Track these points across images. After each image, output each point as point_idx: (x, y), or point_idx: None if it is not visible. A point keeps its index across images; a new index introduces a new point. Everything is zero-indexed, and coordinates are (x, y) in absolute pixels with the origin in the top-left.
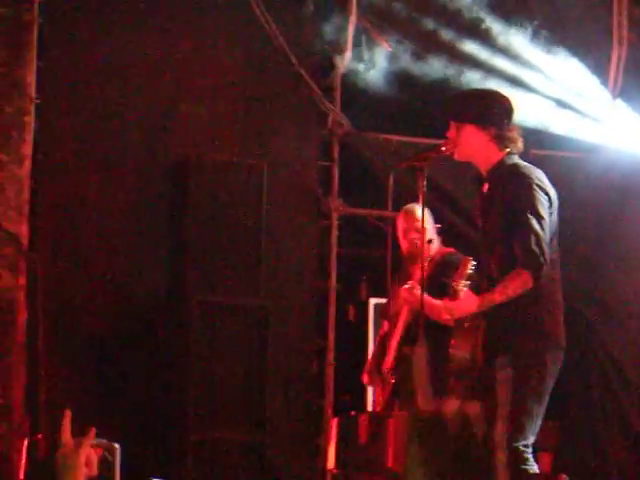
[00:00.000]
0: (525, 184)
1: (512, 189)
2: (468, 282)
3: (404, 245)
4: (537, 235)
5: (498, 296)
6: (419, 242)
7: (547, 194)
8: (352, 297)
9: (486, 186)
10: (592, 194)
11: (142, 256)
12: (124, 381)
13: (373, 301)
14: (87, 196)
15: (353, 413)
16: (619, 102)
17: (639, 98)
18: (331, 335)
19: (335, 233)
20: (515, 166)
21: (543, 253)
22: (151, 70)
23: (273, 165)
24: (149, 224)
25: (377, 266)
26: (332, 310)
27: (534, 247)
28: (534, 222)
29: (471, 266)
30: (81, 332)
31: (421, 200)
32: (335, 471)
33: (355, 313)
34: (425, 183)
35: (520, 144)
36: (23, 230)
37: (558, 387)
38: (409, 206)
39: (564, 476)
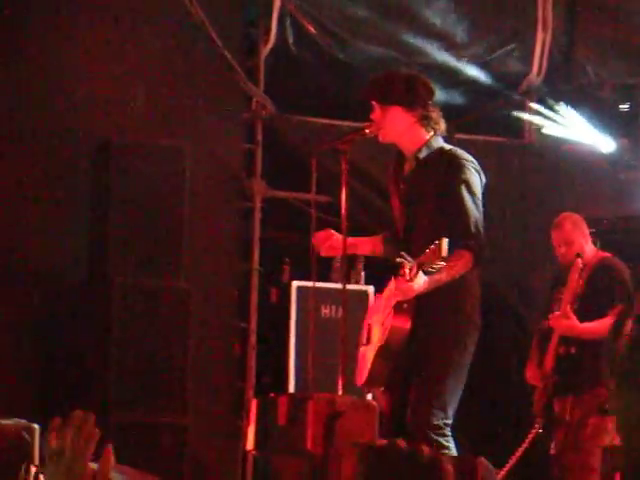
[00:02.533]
0: (460, 165)
1: (446, 170)
2: (443, 263)
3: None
4: (475, 216)
5: (444, 277)
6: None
7: (481, 177)
8: (275, 280)
9: (409, 166)
10: (516, 179)
11: (63, 238)
12: (45, 363)
13: (296, 284)
14: (5, 177)
15: (273, 395)
16: (543, 87)
17: (563, 83)
18: (253, 318)
19: (258, 216)
20: (447, 148)
21: (482, 234)
22: (72, 50)
23: (196, 147)
24: (70, 206)
25: (300, 249)
26: (254, 293)
27: (474, 229)
28: (471, 203)
29: (446, 247)
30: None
31: (344, 182)
32: (254, 453)
33: (278, 296)
34: (348, 166)
35: (443, 126)
36: None
37: (476, 369)
38: (558, 219)
39: (482, 459)
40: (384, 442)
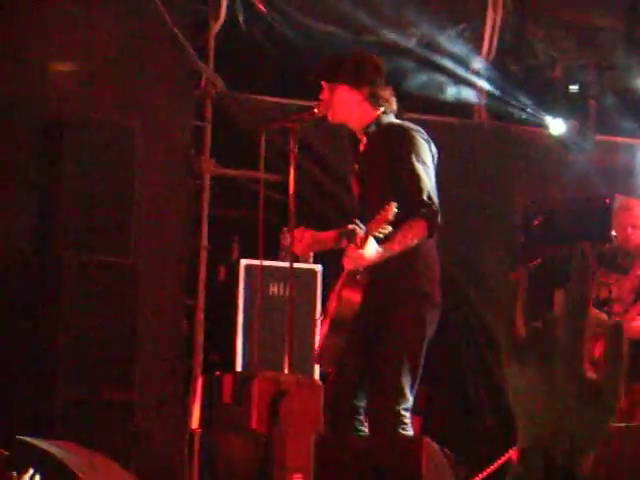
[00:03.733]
0: (408, 134)
1: (395, 141)
2: (390, 228)
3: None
4: (427, 185)
5: (397, 246)
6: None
7: (430, 146)
8: (223, 258)
9: (362, 146)
10: (466, 159)
11: (10, 213)
12: None
13: (244, 262)
14: None
15: (218, 373)
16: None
17: (513, 63)
18: (201, 295)
19: (207, 194)
20: (395, 122)
21: (434, 202)
22: (21, 26)
23: (146, 124)
24: (19, 182)
25: (248, 227)
26: (203, 270)
27: (426, 197)
28: (421, 170)
29: (394, 210)
30: None
31: (292, 162)
32: (199, 430)
33: (226, 274)
34: (296, 145)
35: (394, 104)
36: None
37: (427, 350)
38: (627, 201)
39: (427, 438)
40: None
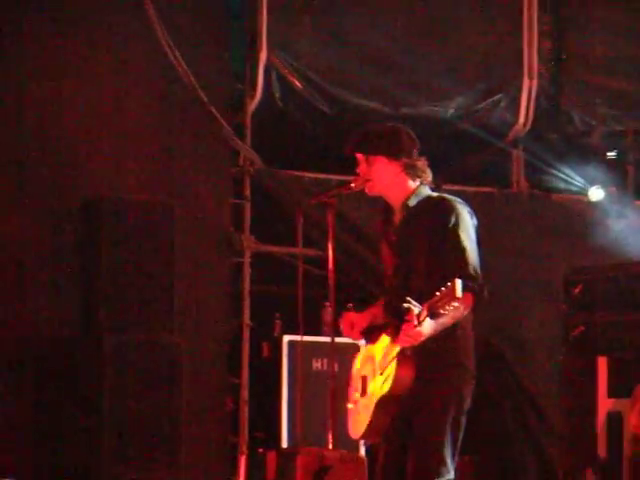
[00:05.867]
0: (452, 207)
1: (439, 214)
2: (457, 304)
3: None
4: (473, 257)
5: (450, 320)
6: None
7: (472, 218)
8: (266, 334)
9: (400, 217)
10: (505, 228)
11: (54, 293)
12: (35, 418)
13: (287, 338)
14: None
15: (261, 450)
16: (530, 134)
17: (550, 131)
18: (245, 372)
19: (248, 270)
20: (436, 194)
21: (480, 275)
22: (62, 108)
23: (184, 203)
24: (61, 261)
25: (290, 303)
26: (246, 347)
27: (473, 270)
28: (467, 243)
29: (459, 287)
30: None
31: (330, 237)
32: None
33: (269, 350)
34: (334, 220)
35: (430, 175)
36: None
37: (473, 421)
38: None
39: None
40: None
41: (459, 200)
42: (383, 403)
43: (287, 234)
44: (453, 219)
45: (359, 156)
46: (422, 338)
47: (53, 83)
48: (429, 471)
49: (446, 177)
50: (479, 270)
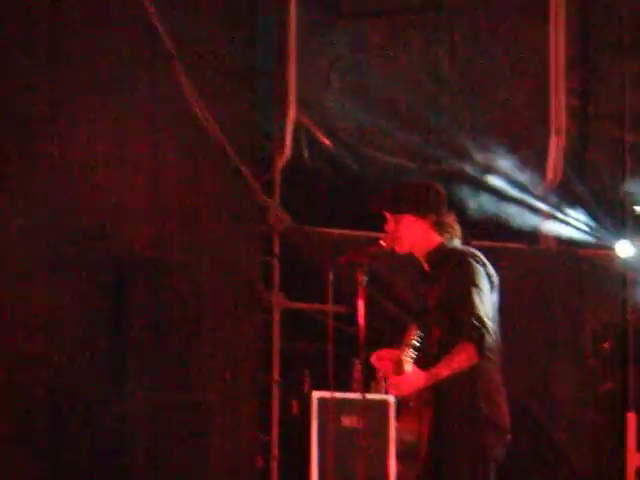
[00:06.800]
0: (462, 259)
1: (451, 266)
2: (415, 353)
3: None
4: (477, 307)
5: (444, 370)
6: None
7: (486, 270)
8: (295, 391)
9: (427, 269)
10: (535, 284)
11: (83, 351)
12: (65, 475)
13: (316, 395)
14: (31, 293)
15: None
16: (558, 191)
17: (577, 187)
18: (275, 429)
19: (277, 328)
20: (451, 247)
21: (485, 325)
22: (93, 168)
23: (214, 261)
24: (90, 320)
25: (319, 359)
26: (275, 404)
27: (474, 319)
28: (474, 294)
29: (416, 335)
30: (21, 428)
31: (361, 295)
32: None
33: (299, 407)
34: (365, 278)
35: (458, 230)
36: None
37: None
38: None
39: None
40: None
41: (471, 252)
42: (399, 458)
43: (315, 290)
44: (462, 270)
45: (387, 214)
46: (407, 388)
47: (79, 139)
48: None
49: (475, 233)
50: (485, 319)
